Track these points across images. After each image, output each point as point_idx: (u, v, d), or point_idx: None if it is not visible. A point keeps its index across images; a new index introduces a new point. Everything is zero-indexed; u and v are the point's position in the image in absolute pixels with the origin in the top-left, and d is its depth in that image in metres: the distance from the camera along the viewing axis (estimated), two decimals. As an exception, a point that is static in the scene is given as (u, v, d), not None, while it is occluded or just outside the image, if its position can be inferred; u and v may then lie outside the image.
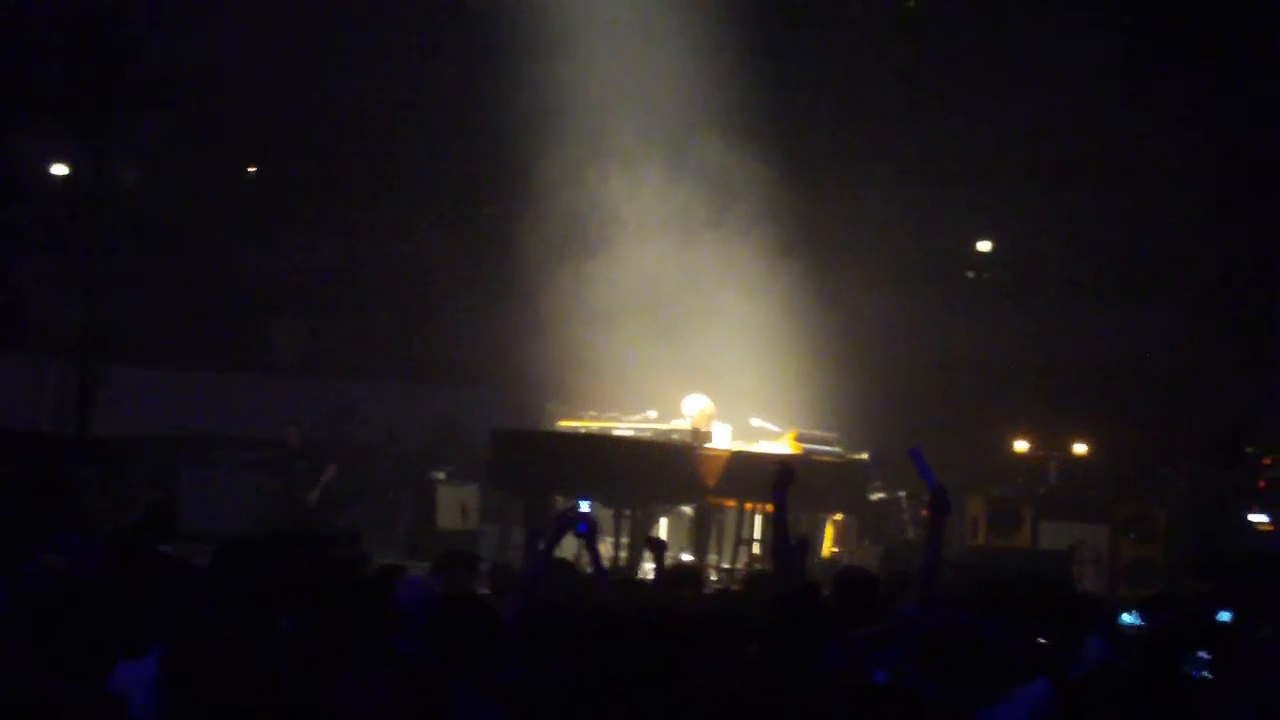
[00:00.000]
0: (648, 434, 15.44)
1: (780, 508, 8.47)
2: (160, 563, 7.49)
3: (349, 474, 18.43)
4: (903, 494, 17.86)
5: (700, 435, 15.11)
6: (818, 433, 15.96)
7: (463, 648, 6.14)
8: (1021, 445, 19.34)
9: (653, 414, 15.62)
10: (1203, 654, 6.63)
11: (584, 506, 9.90)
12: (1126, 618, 8.92)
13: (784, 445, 15.54)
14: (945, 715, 5.86)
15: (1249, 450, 17.06)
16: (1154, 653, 6.64)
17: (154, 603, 6.29)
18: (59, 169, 20.72)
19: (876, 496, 17.49)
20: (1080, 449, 19.32)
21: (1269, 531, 16.49)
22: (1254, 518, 16.70)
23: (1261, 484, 16.73)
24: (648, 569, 14.92)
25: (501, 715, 5.71)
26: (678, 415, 15.40)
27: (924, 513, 18.47)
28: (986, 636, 6.45)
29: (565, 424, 15.95)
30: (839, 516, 16.11)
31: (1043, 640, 7.65)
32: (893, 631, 7.00)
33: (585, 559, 15.30)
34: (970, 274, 23.28)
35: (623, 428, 15.53)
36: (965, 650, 6.19)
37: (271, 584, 7.08)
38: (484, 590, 9.59)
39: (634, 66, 17.43)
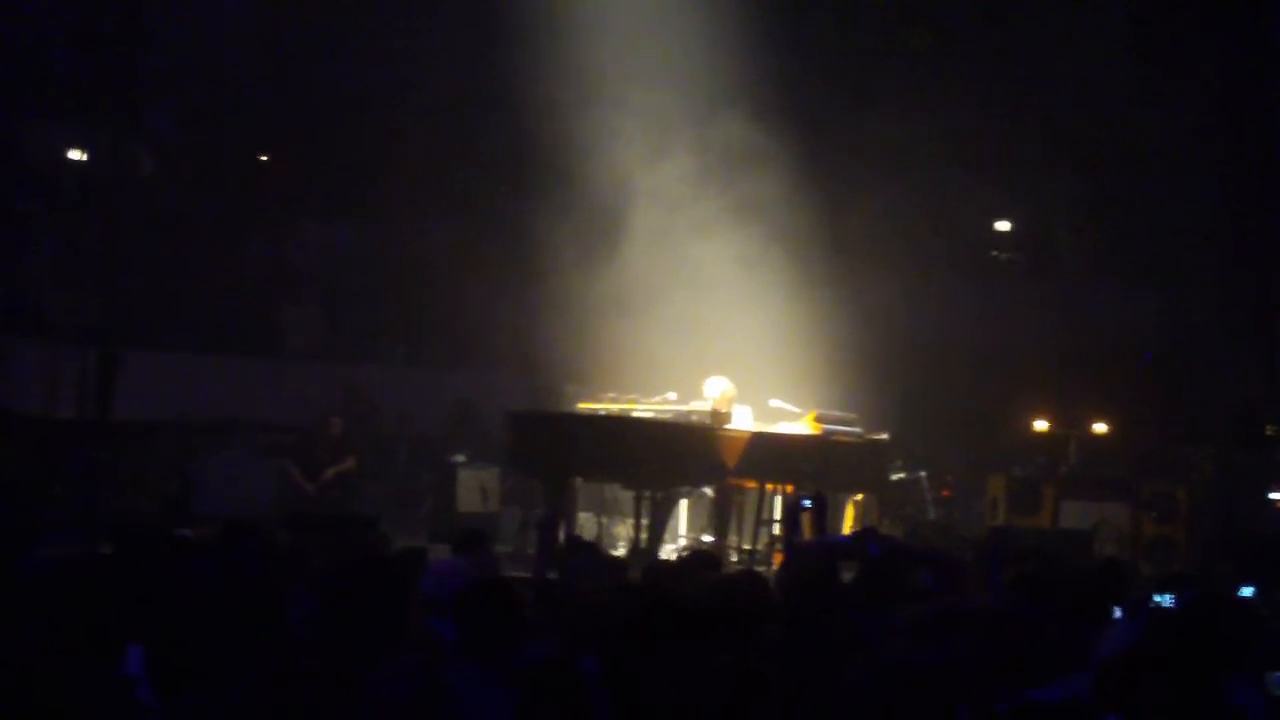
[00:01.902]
0: (667, 416, 15.41)
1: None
2: (175, 546, 7.49)
3: (366, 462, 18.44)
4: (923, 474, 17.84)
5: (720, 417, 15.08)
6: (837, 413, 15.92)
7: (482, 631, 6.14)
8: (1041, 424, 19.29)
9: (672, 396, 15.59)
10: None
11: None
12: (1158, 598, 8.88)
13: (804, 426, 15.51)
14: (987, 696, 5.82)
15: (1269, 430, 16.99)
16: (1183, 631, 6.58)
17: (164, 586, 6.26)
18: (75, 157, 20.71)
19: (897, 476, 17.46)
20: (1100, 428, 19.28)
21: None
22: (1275, 496, 16.65)
23: None
24: (669, 549, 14.95)
25: (512, 697, 5.69)
26: (697, 397, 15.36)
27: (945, 493, 18.49)
28: (1033, 620, 6.43)
29: (585, 406, 15.92)
30: (860, 496, 16.07)
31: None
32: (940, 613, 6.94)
33: (606, 540, 15.37)
34: (994, 254, 23.21)
35: (642, 410, 15.50)
36: (1015, 634, 6.16)
37: (282, 565, 7.08)
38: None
39: (651, 51, 17.40)
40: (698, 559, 9.67)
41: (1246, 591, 10.49)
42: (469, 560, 8.56)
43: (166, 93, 20.05)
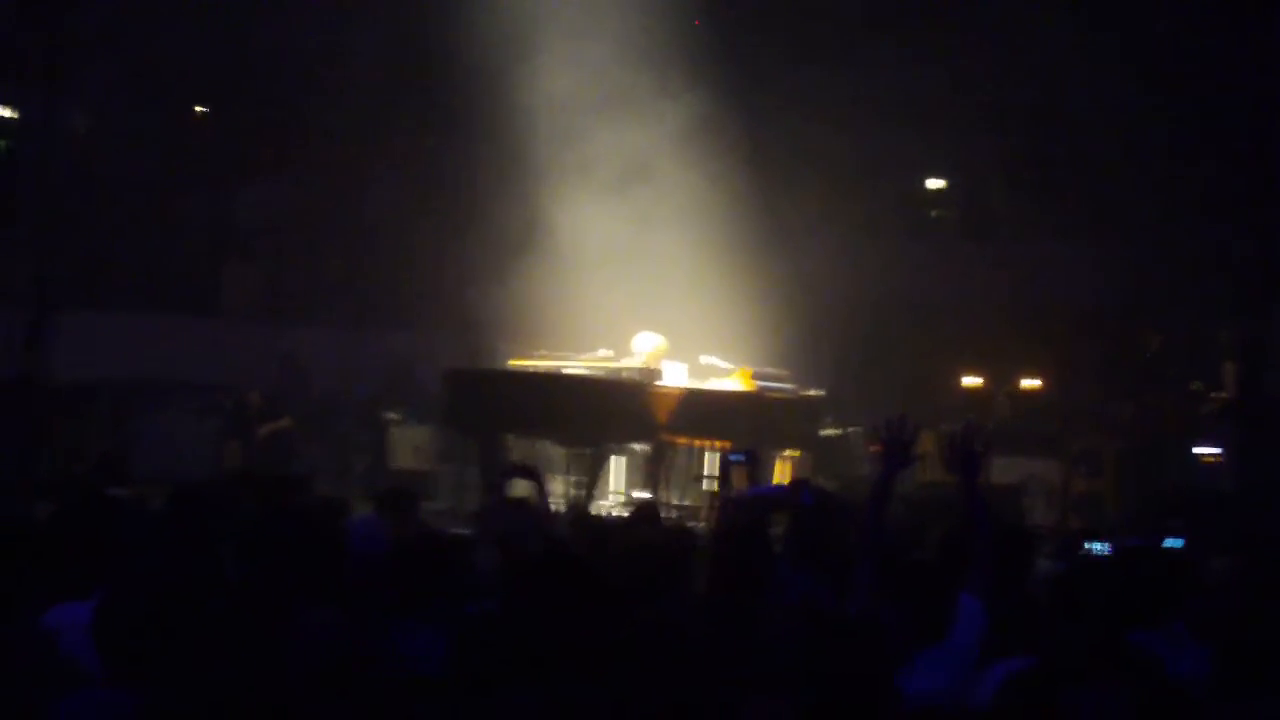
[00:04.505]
0: (600, 373, 15.48)
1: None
2: (109, 506, 7.52)
3: (304, 423, 18.46)
4: (855, 430, 17.95)
5: (652, 373, 15.15)
6: (770, 370, 16.04)
7: (418, 585, 6.24)
8: (971, 380, 19.43)
9: (605, 352, 15.65)
10: None
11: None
12: (1094, 546, 9.05)
13: (737, 383, 15.62)
14: (901, 645, 5.93)
15: (1193, 385, 17.20)
16: (1109, 578, 6.72)
17: (99, 545, 6.32)
18: (6, 115, 20.61)
19: (829, 433, 17.58)
20: (1030, 383, 19.43)
21: (1215, 463, 16.66)
22: (1200, 450, 16.87)
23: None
24: (602, 505, 15.06)
25: (451, 648, 5.78)
26: (630, 354, 15.44)
27: (877, 449, 18.61)
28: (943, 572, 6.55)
29: (517, 363, 15.97)
30: (792, 453, 16.20)
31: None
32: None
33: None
34: (933, 213, 23.33)
35: (575, 366, 15.56)
36: (926, 584, 6.28)
37: (224, 527, 7.13)
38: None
39: (586, 5, 17.38)
40: (639, 513, 9.80)
41: (1174, 543, 10.67)
42: (396, 522, 8.67)
43: (100, 49, 19.94)
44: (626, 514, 12.51)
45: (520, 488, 14.09)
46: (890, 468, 7.03)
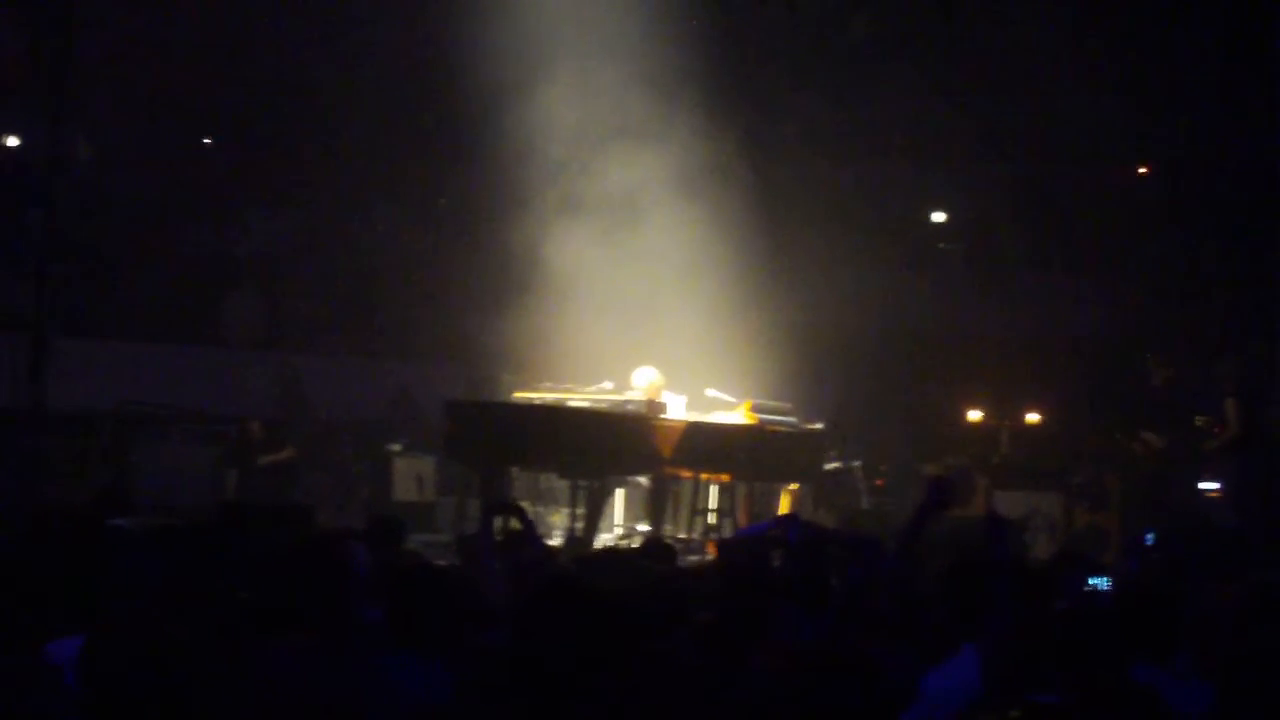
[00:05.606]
0: (603, 405, 15.45)
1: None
2: (111, 536, 7.49)
3: (308, 453, 18.41)
4: (857, 464, 17.94)
5: (656, 406, 15.12)
6: (772, 403, 16.02)
7: (414, 616, 6.19)
8: (974, 414, 19.42)
9: (608, 385, 15.63)
10: None
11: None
12: (1094, 580, 9.00)
13: (739, 416, 15.59)
14: (895, 680, 5.90)
15: (1198, 420, 17.15)
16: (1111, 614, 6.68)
17: (101, 576, 6.30)
18: (11, 141, 20.62)
19: (831, 466, 17.55)
20: (1033, 417, 19.42)
21: (1217, 499, 16.61)
22: (1203, 485, 16.82)
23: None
24: (605, 539, 15.02)
25: (454, 681, 5.74)
26: (629, 387, 15.42)
27: (879, 483, 18.60)
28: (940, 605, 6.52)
29: (520, 395, 15.95)
30: (794, 486, 16.17)
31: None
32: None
33: (541, 530, 15.39)
34: (940, 246, 23.34)
35: (578, 399, 15.54)
36: (924, 616, 6.26)
37: (221, 559, 7.10)
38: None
39: (590, 37, 17.40)
40: (650, 550, 9.74)
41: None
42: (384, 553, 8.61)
43: (105, 78, 19.96)
44: (630, 546, 12.49)
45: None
46: (926, 511, 7.02)
